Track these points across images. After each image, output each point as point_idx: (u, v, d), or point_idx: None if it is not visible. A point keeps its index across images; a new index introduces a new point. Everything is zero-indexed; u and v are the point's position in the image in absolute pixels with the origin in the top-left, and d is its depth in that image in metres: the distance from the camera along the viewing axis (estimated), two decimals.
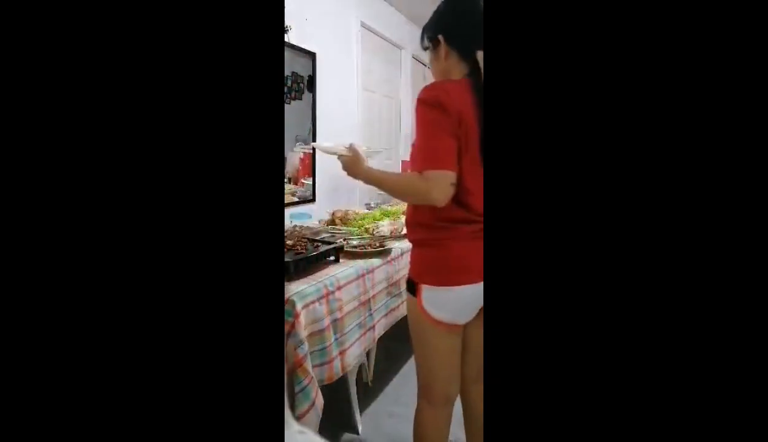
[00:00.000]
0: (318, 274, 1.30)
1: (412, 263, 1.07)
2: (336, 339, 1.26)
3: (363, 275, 1.42)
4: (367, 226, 1.89)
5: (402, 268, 1.67)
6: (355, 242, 1.63)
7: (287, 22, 1.99)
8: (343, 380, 1.57)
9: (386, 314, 1.57)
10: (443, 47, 1.02)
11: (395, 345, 1.96)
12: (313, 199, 2.31)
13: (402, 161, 3.20)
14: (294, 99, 2.17)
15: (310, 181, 2.30)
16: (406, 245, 1.71)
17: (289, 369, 1.09)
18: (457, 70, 1.02)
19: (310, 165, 2.29)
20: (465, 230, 0.98)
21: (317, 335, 1.18)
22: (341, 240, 1.58)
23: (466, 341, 1.12)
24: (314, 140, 2.29)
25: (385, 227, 1.86)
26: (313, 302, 1.18)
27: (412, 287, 1.04)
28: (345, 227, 1.91)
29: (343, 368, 1.27)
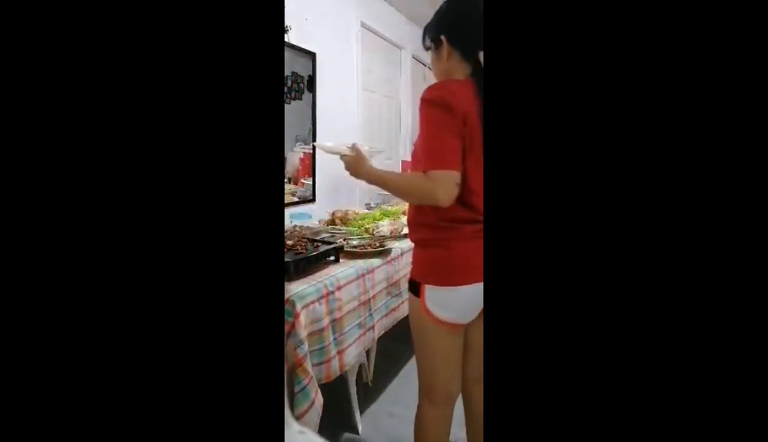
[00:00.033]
0: (318, 274, 1.30)
1: (415, 263, 1.07)
2: (335, 338, 1.26)
3: (363, 275, 1.42)
4: (367, 226, 1.89)
5: (402, 268, 1.67)
6: (355, 242, 1.63)
7: (287, 22, 1.99)
8: (343, 380, 1.57)
9: (386, 314, 1.57)
10: (445, 47, 1.02)
11: (395, 345, 1.96)
12: (313, 199, 2.31)
13: (402, 161, 3.20)
14: (294, 99, 2.17)
15: (310, 181, 2.30)
16: (406, 244, 1.71)
17: (288, 369, 1.09)
18: (460, 70, 1.02)
19: (310, 165, 2.29)
20: (469, 230, 0.98)
21: (316, 334, 1.19)
22: (341, 240, 1.58)
23: (468, 341, 1.12)
24: (314, 140, 2.29)
25: (385, 226, 1.85)
26: (312, 302, 1.18)
27: (415, 288, 1.04)
28: (345, 227, 1.91)
29: (341, 368, 1.28)
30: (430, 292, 1.01)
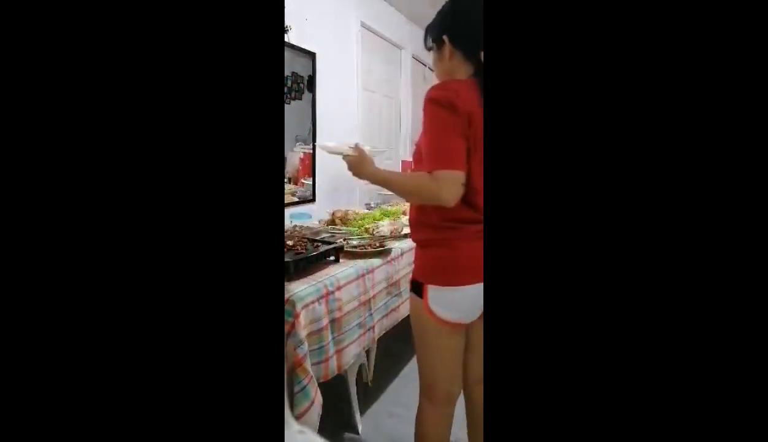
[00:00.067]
0: (318, 274, 1.30)
1: (418, 263, 1.07)
2: (333, 338, 1.26)
3: (363, 275, 1.42)
4: (367, 226, 1.89)
5: (402, 268, 1.67)
6: (355, 242, 1.63)
7: (287, 22, 1.99)
8: (343, 380, 1.57)
9: (387, 314, 1.57)
10: (448, 47, 1.02)
11: (395, 345, 1.96)
12: (313, 199, 2.31)
13: (402, 161, 3.20)
14: (294, 99, 2.17)
15: (310, 181, 2.30)
16: (406, 244, 1.72)
17: (288, 369, 1.09)
18: (463, 70, 1.02)
19: (310, 165, 2.29)
20: (472, 230, 0.98)
21: (316, 334, 1.19)
22: (341, 240, 1.58)
23: (470, 342, 1.12)
24: (314, 140, 2.29)
25: (385, 226, 1.85)
26: (312, 302, 1.18)
27: (418, 288, 1.04)
28: (345, 227, 1.91)
29: (339, 367, 1.28)
30: (432, 292, 1.01)
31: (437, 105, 0.93)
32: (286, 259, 1.24)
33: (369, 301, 1.45)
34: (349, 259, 1.48)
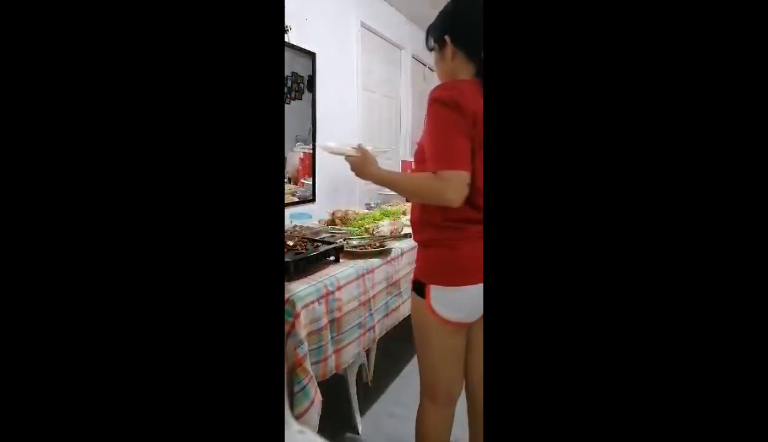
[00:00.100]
0: (318, 274, 1.30)
1: (420, 264, 1.07)
2: (332, 338, 1.26)
3: (363, 275, 1.42)
4: (367, 226, 1.89)
5: (402, 268, 1.67)
6: (355, 242, 1.63)
7: (287, 22, 1.99)
8: (343, 380, 1.57)
9: (387, 314, 1.57)
10: (450, 48, 1.02)
11: (395, 345, 1.96)
12: (313, 199, 2.31)
13: (402, 161, 3.20)
14: (294, 99, 2.17)
15: (310, 182, 2.30)
16: (406, 244, 1.72)
17: (288, 369, 1.09)
18: (465, 70, 1.02)
19: (310, 165, 2.29)
20: (475, 230, 0.98)
21: (315, 334, 1.19)
22: (341, 240, 1.58)
23: (472, 342, 1.12)
24: (314, 140, 2.29)
25: (385, 226, 1.85)
26: (312, 302, 1.18)
27: (420, 288, 1.04)
28: (345, 227, 1.91)
29: (337, 366, 1.28)
30: (435, 292, 1.01)
31: (442, 105, 0.93)
32: (286, 259, 1.24)
33: (369, 301, 1.45)
34: (349, 259, 1.48)
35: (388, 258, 1.58)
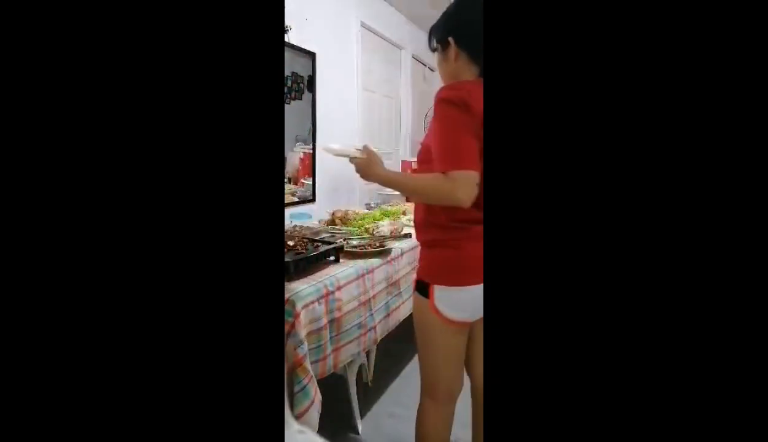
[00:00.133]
0: (318, 274, 1.30)
1: (424, 264, 1.07)
2: (332, 337, 1.26)
3: (363, 275, 1.42)
4: (367, 226, 1.89)
5: (402, 268, 1.67)
6: (355, 242, 1.63)
7: (287, 22, 1.99)
8: (343, 380, 1.57)
9: (388, 315, 1.56)
10: (453, 49, 1.02)
11: (395, 345, 1.96)
12: (313, 199, 2.31)
13: (402, 161, 3.20)
14: (294, 99, 2.17)
15: (310, 181, 2.30)
16: (406, 244, 1.72)
17: (289, 369, 1.09)
18: (468, 71, 1.02)
19: (310, 165, 2.29)
20: (480, 230, 0.98)
21: (315, 333, 1.19)
22: (341, 240, 1.57)
23: (476, 342, 1.13)
24: (314, 140, 2.29)
25: (385, 226, 1.85)
26: (312, 302, 1.18)
27: (424, 288, 1.04)
28: (345, 227, 1.91)
29: (335, 365, 1.28)
30: (439, 292, 1.01)
31: (450, 105, 0.92)
32: (286, 259, 1.24)
33: (369, 301, 1.45)
34: (349, 259, 1.48)
35: (388, 258, 1.58)
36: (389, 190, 2.27)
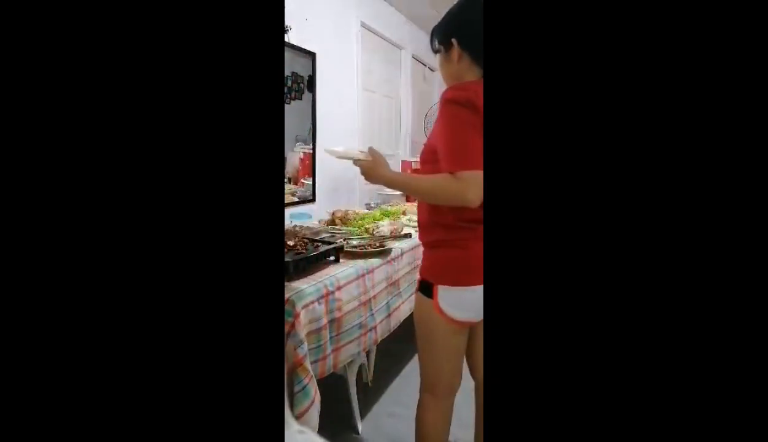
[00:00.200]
0: (318, 274, 1.30)
1: (427, 264, 1.07)
2: (332, 337, 1.26)
3: (363, 275, 1.42)
4: (367, 226, 1.89)
5: (402, 268, 1.67)
6: (355, 242, 1.63)
7: (287, 22, 1.99)
8: (343, 380, 1.57)
9: (389, 315, 1.56)
10: (456, 50, 1.01)
11: (395, 345, 1.96)
12: (313, 199, 2.31)
13: (402, 161, 3.20)
14: (294, 99, 2.17)
15: (310, 181, 2.30)
16: (406, 244, 1.72)
17: (289, 369, 1.09)
18: (471, 72, 1.02)
19: (310, 165, 2.29)
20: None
21: (315, 333, 1.19)
22: (341, 240, 1.58)
23: (480, 341, 1.14)
24: (314, 140, 2.29)
25: (385, 226, 1.85)
26: (312, 302, 1.18)
27: (428, 289, 1.04)
28: (345, 227, 1.91)
29: (335, 365, 1.28)
30: (444, 292, 1.01)
31: (457, 105, 0.92)
32: (286, 259, 1.24)
33: (369, 301, 1.45)
34: (349, 259, 1.48)
35: (388, 258, 1.58)
36: (389, 191, 2.28)
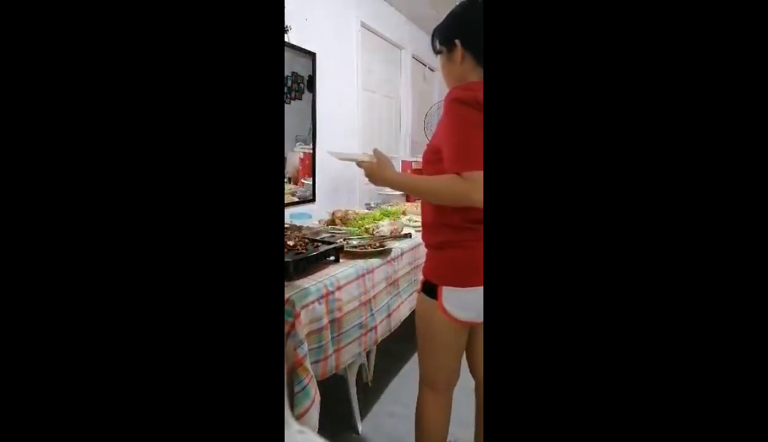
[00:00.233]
0: (318, 274, 1.30)
1: (431, 265, 1.07)
2: (333, 337, 1.26)
3: (363, 275, 1.42)
4: (367, 226, 1.89)
5: (402, 268, 1.67)
6: (355, 242, 1.63)
7: (287, 22, 1.99)
8: (343, 380, 1.57)
9: (389, 315, 1.57)
10: (460, 51, 1.01)
11: (395, 345, 1.96)
12: (313, 199, 2.31)
13: (402, 161, 3.20)
14: (294, 99, 2.17)
15: (310, 182, 2.30)
16: (406, 244, 1.72)
17: (289, 369, 1.09)
18: (474, 73, 1.02)
19: (310, 165, 2.29)
20: None
21: (315, 333, 1.19)
22: (341, 240, 1.58)
23: (479, 334, 1.14)
24: (314, 140, 2.29)
25: (385, 226, 1.86)
26: (312, 302, 1.18)
27: (431, 290, 1.04)
28: (345, 227, 1.91)
29: (337, 366, 1.28)
30: (448, 293, 1.02)
31: (464, 105, 0.92)
32: (286, 259, 1.24)
33: (369, 301, 1.45)
34: (349, 259, 1.48)
35: (388, 258, 1.58)
36: (389, 191, 2.28)
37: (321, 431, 1.06)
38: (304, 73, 2.21)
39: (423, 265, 1.12)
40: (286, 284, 1.18)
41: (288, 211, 2.04)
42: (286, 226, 1.79)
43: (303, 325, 1.12)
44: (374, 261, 1.51)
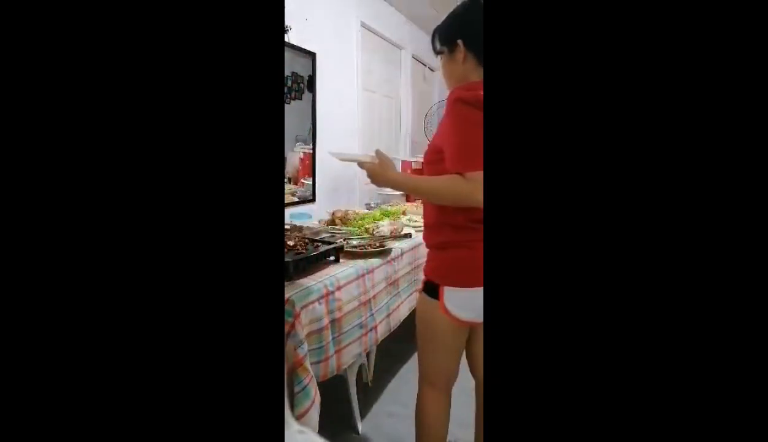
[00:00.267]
0: (318, 274, 1.30)
1: (433, 265, 1.07)
2: (333, 338, 1.26)
3: (363, 275, 1.42)
4: (367, 226, 1.89)
5: (402, 268, 1.67)
6: (355, 242, 1.63)
7: (287, 22, 1.99)
8: (343, 380, 1.57)
9: (389, 315, 1.57)
10: (461, 51, 1.01)
11: (395, 345, 1.96)
12: (313, 199, 2.31)
13: (402, 161, 3.20)
14: (294, 99, 2.17)
15: (310, 182, 2.30)
16: (406, 244, 1.72)
17: (289, 369, 1.09)
18: (477, 73, 1.02)
19: (310, 165, 2.29)
20: None
21: (316, 333, 1.19)
22: (341, 240, 1.57)
23: (479, 334, 1.15)
24: (314, 140, 2.29)
25: (385, 226, 1.85)
26: (312, 302, 1.18)
27: (433, 290, 1.04)
28: (345, 227, 1.91)
29: (338, 367, 1.28)
30: (449, 293, 1.02)
31: (467, 105, 0.91)
32: (286, 259, 1.24)
33: (369, 301, 1.45)
34: (349, 259, 1.48)
35: (388, 258, 1.58)
36: (389, 191, 2.28)
37: (321, 431, 1.06)
38: (304, 73, 2.21)
39: (424, 265, 1.12)
40: (286, 283, 1.18)
41: (288, 211, 2.04)
42: (286, 226, 1.79)
43: (303, 325, 1.12)
44: (374, 261, 1.51)
